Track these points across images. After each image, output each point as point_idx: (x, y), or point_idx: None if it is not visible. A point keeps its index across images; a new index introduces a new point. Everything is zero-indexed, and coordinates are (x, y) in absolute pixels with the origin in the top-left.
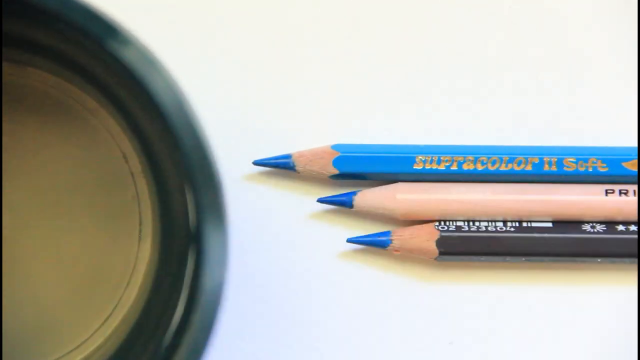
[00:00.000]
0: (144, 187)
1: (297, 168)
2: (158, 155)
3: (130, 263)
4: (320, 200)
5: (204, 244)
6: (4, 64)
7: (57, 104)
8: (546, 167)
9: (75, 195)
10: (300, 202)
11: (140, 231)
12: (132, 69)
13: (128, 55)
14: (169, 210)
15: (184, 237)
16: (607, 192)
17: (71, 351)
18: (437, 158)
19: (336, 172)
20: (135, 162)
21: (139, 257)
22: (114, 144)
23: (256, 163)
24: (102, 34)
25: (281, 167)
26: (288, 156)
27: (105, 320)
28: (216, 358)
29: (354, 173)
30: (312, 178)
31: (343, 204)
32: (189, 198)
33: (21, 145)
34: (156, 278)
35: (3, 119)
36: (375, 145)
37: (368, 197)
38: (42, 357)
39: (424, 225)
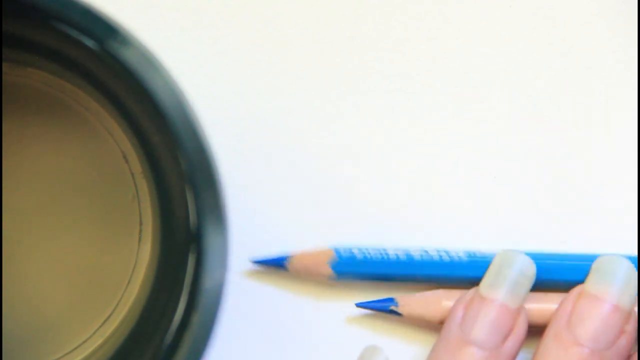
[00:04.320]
0: (144, 188)
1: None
2: (158, 156)
3: (130, 263)
4: None
5: (204, 244)
6: (4, 64)
7: (57, 104)
8: None
9: (75, 195)
10: None
11: (140, 231)
12: (132, 69)
13: (128, 55)
14: (169, 210)
15: (184, 238)
16: None
17: (71, 351)
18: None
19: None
20: (136, 162)
21: (139, 257)
22: (114, 144)
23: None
24: (102, 34)
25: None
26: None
27: (105, 321)
28: (216, 358)
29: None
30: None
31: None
32: (189, 198)
33: (21, 145)
34: (156, 278)
35: (3, 119)
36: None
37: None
38: (42, 357)
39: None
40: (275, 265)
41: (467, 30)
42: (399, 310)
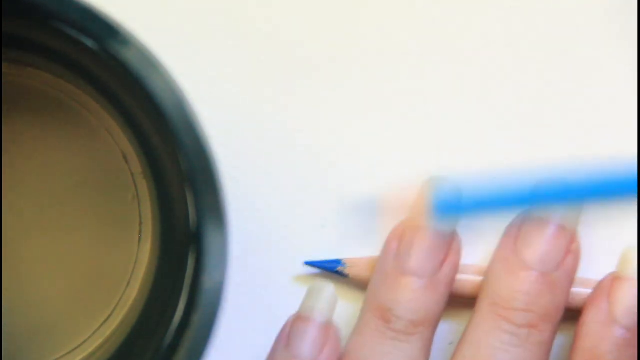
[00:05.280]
0: (144, 188)
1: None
2: (158, 156)
3: (130, 263)
4: None
5: (204, 244)
6: (4, 64)
7: (57, 104)
8: None
9: (76, 195)
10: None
11: (140, 231)
12: (132, 69)
13: (128, 55)
14: (169, 210)
15: (184, 237)
16: None
17: (71, 351)
18: None
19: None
20: (136, 163)
21: (139, 257)
22: (114, 144)
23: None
24: (102, 34)
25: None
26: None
27: (105, 320)
28: (216, 358)
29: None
30: None
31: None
32: (189, 198)
33: (21, 146)
34: (156, 278)
35: (3, 119)
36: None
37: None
38: (42, 357)
39: None
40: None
41: (467, 30)
42: (346, 271)
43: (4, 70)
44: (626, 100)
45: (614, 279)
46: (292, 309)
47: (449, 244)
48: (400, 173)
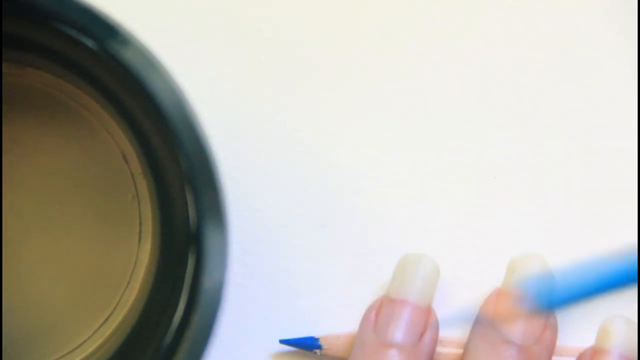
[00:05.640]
0: (144, 188)
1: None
2: (158, 156)
3: (130, 263)
4: None
5: (204, 244)
6: (4, 64)
7: (57, 104)
8: None
9: (75, 195)
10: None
11: (140, 231)
12: (132, 69)
13: (128, 55)
14: (169, 210)
15: (184, 238)
16: None
17: (71, 351)
18: None
19: None
20: (135, 163)
21: (139, 257)
22: (114, 144)
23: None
24: (102, 34)
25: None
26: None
27: (105, 321)
28: (216, 358)
29: None
30: None
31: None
32: (189, 198)
33: (21, 146)
34: (156, 278)
35: (3, 119)
36: None
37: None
38: (42, 357)
39: None
40: None
41: (467, 30)
42: (323, 350)
43: (4, 70)
44: (626, 100)
45: (594, 352)
46: (291, 308)
47: (427, 316)
48: (400, 173)
